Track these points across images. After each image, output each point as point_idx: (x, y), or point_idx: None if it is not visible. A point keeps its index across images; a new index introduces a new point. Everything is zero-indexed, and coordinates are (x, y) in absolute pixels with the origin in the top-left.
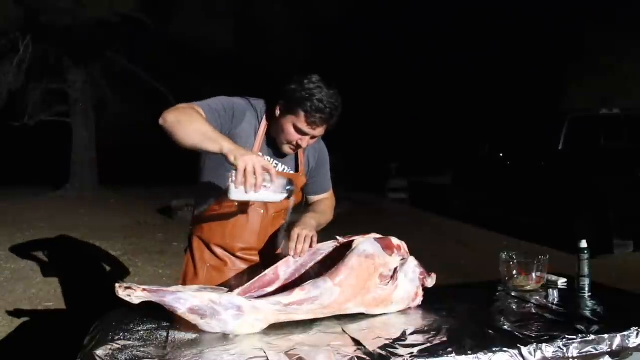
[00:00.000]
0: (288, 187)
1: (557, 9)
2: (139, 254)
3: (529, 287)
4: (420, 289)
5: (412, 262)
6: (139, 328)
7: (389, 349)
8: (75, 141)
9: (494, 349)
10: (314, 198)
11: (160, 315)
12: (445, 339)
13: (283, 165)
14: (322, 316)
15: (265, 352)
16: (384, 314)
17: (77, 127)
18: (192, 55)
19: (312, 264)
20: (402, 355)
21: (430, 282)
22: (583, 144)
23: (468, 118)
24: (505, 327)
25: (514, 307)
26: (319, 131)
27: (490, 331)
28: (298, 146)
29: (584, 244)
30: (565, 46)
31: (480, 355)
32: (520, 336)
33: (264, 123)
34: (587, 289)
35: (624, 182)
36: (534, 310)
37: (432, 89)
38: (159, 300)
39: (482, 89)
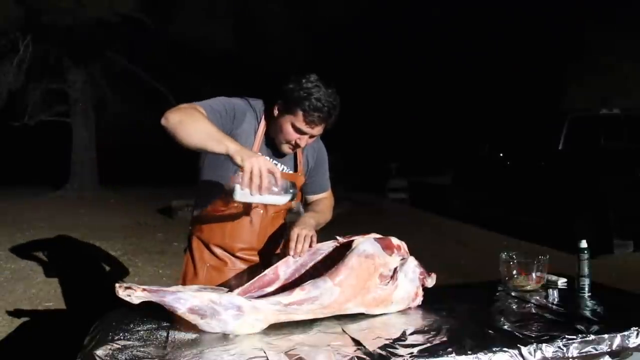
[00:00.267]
0: (291, 190)
1: (557, 9)
2: (139, 254)
3: (529, 287)
4: (420, 288)
5: (412, 262)
6: (139, 328)
7: (389, 349)
8: (75, 141)
9: (494, 349)
10: (312, 198)
11: (160, 315)
12: (445, 339)
13: (282, 165)
14: (322, 316)
15: (265, 352)
16: (384, 314)
17: (77, 127)
18: (192, 55)
19: (312, 263)
20: (402, 355)
21: (430, 282)
22: (583, 144)
23: (468, 118)
24: (505, 327)
25: (514, 307)
26: (317, 130)
27: (490, 331)
28: (297, 145)
29: (584, 244)
30: (565, 46)
31: (480, 355)
32: (520, 336)
33: (262, 123)
34: (587, 289)
35: (624, 182)
36: (534, 310)
37: (432, 89)
38: (159, 300)
39: (482, 89)
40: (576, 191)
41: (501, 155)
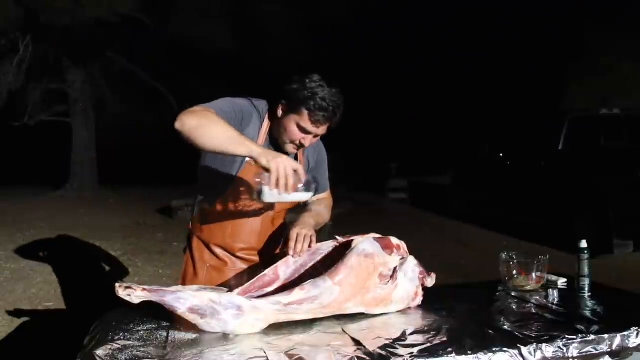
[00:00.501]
0: (313, 185)
1: (557, 9)
2: (138, 254)
3: (529, 287)
4: (420, 288)
5: (412, 261)
6: (139, 328)
7: (389, 349)
8: (75, 141)
9: (494, 349)
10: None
11: (160, 315)
12: (445, 339)
13: None
14: (322, 316)
15: (265, 352)
16: (384, 313)
17: (77, 127)
18: (192, 55)
19: (311, 264)
20: (402, 355)
21: (430, 281)
22: (583, 144)
23: (468, 118)
24: (505, 327)
25: (514, 307)
26: (322, 130)
27: (490, 331)
28: (301, 145)
29: (584, 244)
30: (565, 46)
31: (480, 355)
32: (520, 336)
33: (266, 123)
34: (587, 289)
35: (624, 182)
36: (534, 310)
37: (432, 89)
38: (159, 300)
39: (482, 89)
40: (576, 191)
41: (501, 155)
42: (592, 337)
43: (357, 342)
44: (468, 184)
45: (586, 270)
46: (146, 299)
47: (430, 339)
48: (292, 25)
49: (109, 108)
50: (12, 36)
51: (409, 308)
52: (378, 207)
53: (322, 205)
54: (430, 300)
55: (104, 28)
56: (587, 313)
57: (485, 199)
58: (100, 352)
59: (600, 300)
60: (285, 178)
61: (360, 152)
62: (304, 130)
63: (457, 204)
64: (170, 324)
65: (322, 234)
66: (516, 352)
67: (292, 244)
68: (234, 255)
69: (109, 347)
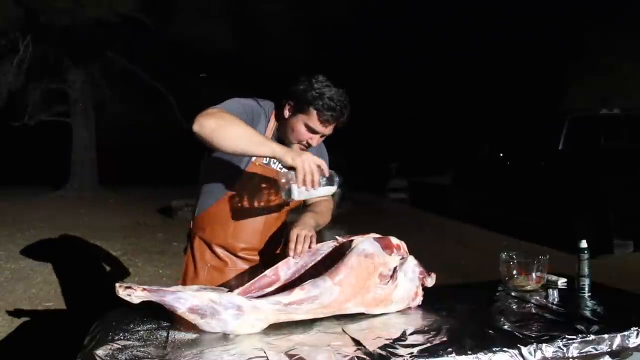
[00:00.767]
0: (336, 178)
1: (557, 9)
2: (138, 254)
3: (529, 287)
4: (420, 288)
5: (412, 261)
6: (139, 328)
7: (389, 349)
8: (75, 141)
9: (494, 349)
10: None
11: (160, 315)
12: (445, 339)
13: None
14: (322, 316)
15: (265, 352)
16: (384, 313)
17: (77, 127)
18: (192, 55)
19: (312, 264)
20: (402, 355)
21: (430, 281)
22: (583, 144)
23: (468, 118)
24: (505, 327)
25: (514, 307)
26: (330, 129)
27: (490, 331)
28: (308, 145)
29: (584, 244)
30: (565, 46)
31: (480, 355)
32: (520, 336)
33: (272, 123)
34: (587, 289)
35: (624, 182)
36: (534, 310)
37: (432, 89)
38: (159, 299)
39: (482, 89)
40: (576, 191)
41: (501, 155)
42: (592, 337)
43: (357, 342)
44: (468, 184)
45: (586, 270)
46: (146, 299)
47: (430, 339)
48: (292, 25)
49: (109, 108)
50: (12, 36)
51: (409, 308)
52: (378, 207)
53: (322, 206)
54: (430, 300)
55: (104, 28)
56: (587, 313)
57: (485, 199)
58: (100, 352)
59: (600, 300)
60: (312, 174)
61: (360, 152)
62: (312, 130)
63: (457, 204)
64: (170, 324)
65: (322, 234)
66: (516, 352)
67: (292, 244)
68: (235, 255)
69: (109, 347)
